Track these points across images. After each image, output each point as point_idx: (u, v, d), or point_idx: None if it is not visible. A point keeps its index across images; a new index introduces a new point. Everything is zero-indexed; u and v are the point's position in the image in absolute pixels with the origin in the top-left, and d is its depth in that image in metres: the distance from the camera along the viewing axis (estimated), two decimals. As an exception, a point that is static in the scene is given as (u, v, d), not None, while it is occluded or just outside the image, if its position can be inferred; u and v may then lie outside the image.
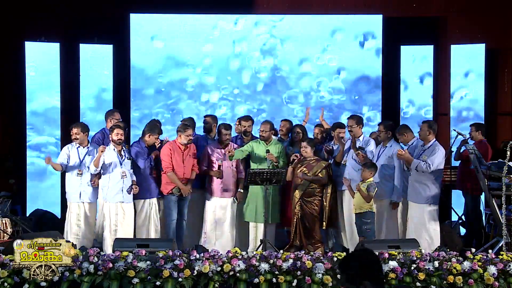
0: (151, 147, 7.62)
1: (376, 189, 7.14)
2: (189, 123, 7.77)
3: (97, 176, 7.45)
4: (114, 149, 7.32)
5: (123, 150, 7.39)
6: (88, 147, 7.55)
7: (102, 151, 7.17)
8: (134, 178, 7.40)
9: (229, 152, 7.54)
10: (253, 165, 7.71)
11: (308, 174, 7.45)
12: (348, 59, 10.30)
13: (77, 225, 7.39)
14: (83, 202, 7.43)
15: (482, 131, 8.37)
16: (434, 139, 7.36)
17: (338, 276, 5.54)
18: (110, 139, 7.39)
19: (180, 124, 7.71)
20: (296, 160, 7.50)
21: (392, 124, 7.85)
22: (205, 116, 8.35)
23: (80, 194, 7.42)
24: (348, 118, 7.87)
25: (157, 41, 10.31)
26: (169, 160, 7.47)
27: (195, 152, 7.69)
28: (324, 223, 7.51)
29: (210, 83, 10.39)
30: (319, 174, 7.47)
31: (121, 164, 7.30)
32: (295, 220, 7.47)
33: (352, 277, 3.50)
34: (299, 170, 7.47)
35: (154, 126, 7.66)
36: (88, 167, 7.41)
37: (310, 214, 7.44)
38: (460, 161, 8.49)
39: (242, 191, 7.76)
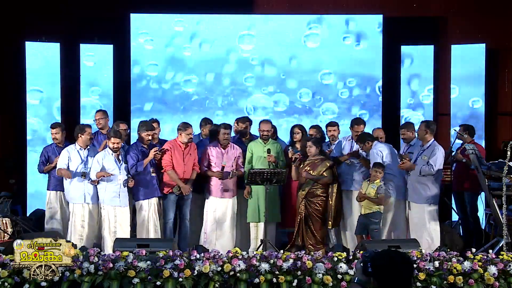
0: (151, 146, 7.60)
1: (384, 188, 7.18)
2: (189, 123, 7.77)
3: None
4: (112, 154, 7.30)
5: (121, 155, 7.38)
6: (88, 149, 7.55)
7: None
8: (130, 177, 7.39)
9: (269, 157, 7.62)
10: (253, 165, 7.71)
11: (313, 174, 7.44)
12: (348, 58, 10.29)
13: (81, 226, 7.39)
14: (88, 204, 7.42)
15: (470, 132, 8.33)
16: (433, 139, 7.38)
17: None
18: (112, 146, 7.30)
19: (180, 123, 7.70)
20: (298, 159, 7.49)
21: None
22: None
23: (84, 196, 7.41)
24: (357, 124, 7.86)
25: (157, 41, 10.30)
26: (169, 158, 7.48)
27: (196, 151, 7.69)
28: (330, 222, 7.50)
29: (210, 82, 10.37)
30: (324, 173, 7.46)
31: (119, 169, 7.29)
32: (298, 220, 7.46)
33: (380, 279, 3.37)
34: (303, 170, 7.46)
35: (143, 123, 7.67)
36: (90, 169, 7.37)
37: (313, 214, 7.43)
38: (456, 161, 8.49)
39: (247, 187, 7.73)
